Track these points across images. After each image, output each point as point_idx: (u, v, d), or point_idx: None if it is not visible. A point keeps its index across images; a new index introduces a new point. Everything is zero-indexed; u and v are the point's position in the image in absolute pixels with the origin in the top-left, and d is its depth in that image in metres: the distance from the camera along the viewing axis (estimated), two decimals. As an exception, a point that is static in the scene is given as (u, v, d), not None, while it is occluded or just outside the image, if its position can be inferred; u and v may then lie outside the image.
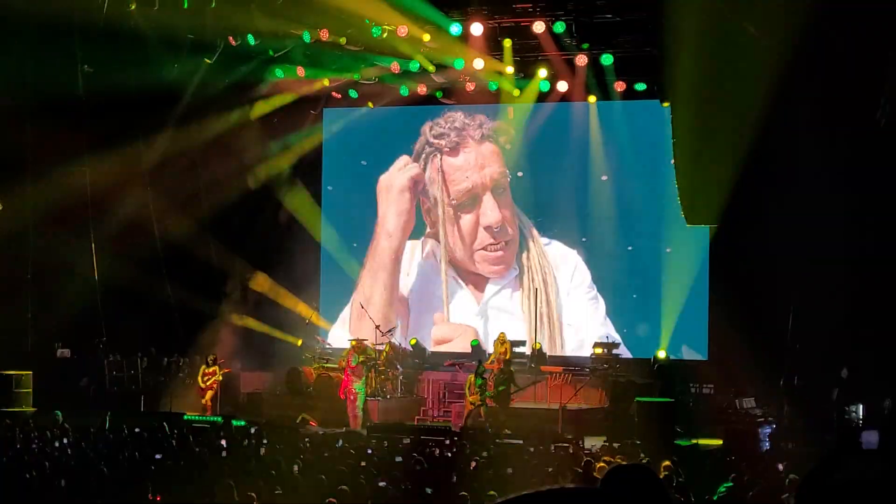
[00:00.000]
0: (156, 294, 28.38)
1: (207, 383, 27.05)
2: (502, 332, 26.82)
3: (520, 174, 30.32)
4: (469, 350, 29.09)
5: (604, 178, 29.50)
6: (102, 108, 27.34)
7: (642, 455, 19.22)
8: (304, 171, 32.14)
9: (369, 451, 18.30)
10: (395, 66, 28.43)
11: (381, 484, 14.53)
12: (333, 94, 30.99)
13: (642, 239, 29.25)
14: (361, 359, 26.26)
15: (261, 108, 30.86)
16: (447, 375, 28.43)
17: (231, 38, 27.89)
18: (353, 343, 27.29)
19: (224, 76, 29.22)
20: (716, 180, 19.18)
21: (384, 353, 27.83)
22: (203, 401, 26.96)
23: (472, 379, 25.29)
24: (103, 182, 27.90)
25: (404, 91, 29.80)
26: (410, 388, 28.58)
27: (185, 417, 25.19)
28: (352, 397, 25.83)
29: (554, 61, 27.49)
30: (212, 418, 24.84)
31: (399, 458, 17.58)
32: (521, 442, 21.54)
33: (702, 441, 23.36)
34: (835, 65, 23.32)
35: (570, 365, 27.07)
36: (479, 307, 30.38)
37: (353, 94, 30.73)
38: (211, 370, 27.09)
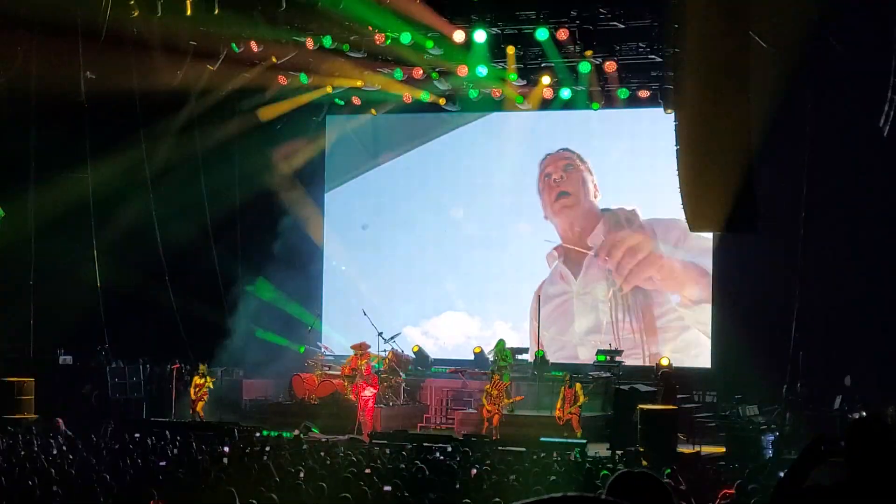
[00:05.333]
0: (158, 301, 28.33)
1: (198, 394, 27.04)
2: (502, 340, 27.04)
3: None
4: (472, 357, 29.07)
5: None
6: (105, 115, 27.34)
7: (644, 462, 19.20)
8: (306, 178, 32.12)
9: (369, 466, 18.23)
10: (398, 74, 28.44)
11: (388, 489, 14.51)
12: (336, 100, 30.97)
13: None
14: (376, 366, 26.44)
15: (264, 115, 30.83)
16: (450, 383, 28.39)
17: (234, 44, 27.88)
18: (357, 350, 27.27)
19: (227, 83, 29.22)
20: (719, 188, 19.11)
21: (387, 361, 27.81)
22: (193, 411, 26.92)
23: (489, 388, 25.28)
24: (106, 188, 27.87)
25: (407, 98, 29.74)
26: (413, 396, 28.55)
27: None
28: (361, 403, 25.78)
29: (557, 69, 27.45)
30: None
31: (402, 466, 17.56)
32: (523, 449, 21.51)
33: (704, 449, 23.32)
34: (839, 71, 23.31)
35: (573, 372, 27.01)
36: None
37: (356, 100, 30.71)
38: (201, 381, 27.07)
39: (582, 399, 24.92)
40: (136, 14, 26.17)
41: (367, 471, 16.30)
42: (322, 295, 32.16)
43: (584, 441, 23.10)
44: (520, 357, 27.88)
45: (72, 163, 28.17)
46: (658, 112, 27.29)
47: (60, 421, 23.47)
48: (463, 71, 27.51)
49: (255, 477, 15.27)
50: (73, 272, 27.88)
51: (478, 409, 26.19)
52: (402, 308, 31.10)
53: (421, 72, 28.21)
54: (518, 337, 29.27)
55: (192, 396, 27.07)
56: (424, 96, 28.95)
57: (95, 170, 27.90)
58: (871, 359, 24.37)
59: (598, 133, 29.95)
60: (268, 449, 19.59)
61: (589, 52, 26.24)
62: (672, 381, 24.85)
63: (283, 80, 29.52)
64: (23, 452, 18.48)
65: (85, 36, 26.14)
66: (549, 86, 27.99)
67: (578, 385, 25.05)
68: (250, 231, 31.23)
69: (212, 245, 29.71)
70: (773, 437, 22.93)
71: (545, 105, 28.96)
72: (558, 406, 24.89)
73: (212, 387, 27.24)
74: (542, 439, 22.71)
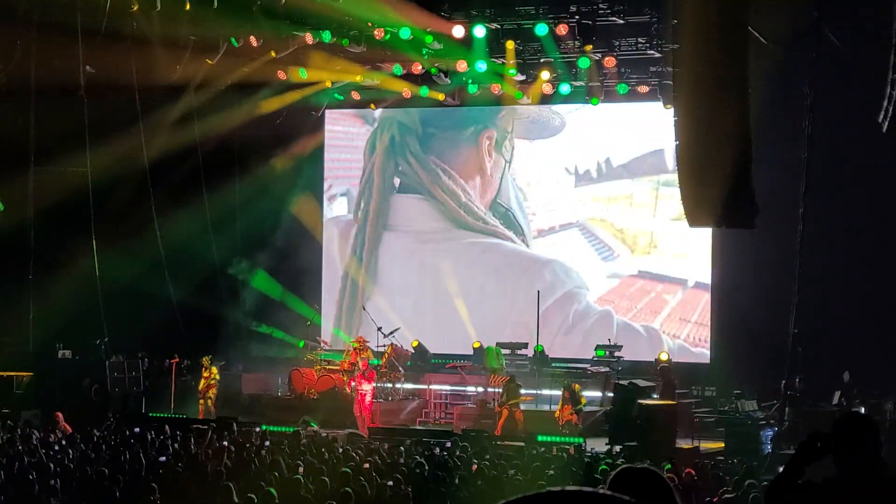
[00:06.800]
0: (158, 295, 28.35)
1: (206, 387, 27.01)
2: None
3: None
4: (471, 352, 29.06)
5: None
6: (104, 109, 27.34)
7: (644, 458, 19.21)
8: (305, 172, 32.09)
9: (368, 461, 18.25)
10: (397, 69, 28.46)
11: (389, 485, 14.52)
12: (336, 95, 30.96)
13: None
14: (373, 361, 26.40)
15: (263, 109, 30.81)
16: (449, 377, 28.38)
17: (233, 39, 27.89)
18: (357, 344, 27.27)
19: (226, 77, 29.23)
20: (718, 183, 19.12)
21: (386, 355, 27.81)
22: (202, 404, 26.91)
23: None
24: (105, 182, 27.85)
25: (407, 93, 29.76)
26: (413, 391, 28.54)
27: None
28: (359, 397, 25.74)
29: (557, 63, 27.46)
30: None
31: (401, 461, 17.58)
32: (522, 444, 21.53)
33: (703, 444, 23.34)
34: (837, 67, 23.30)
35: (572, 367, 27.03)
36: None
37: (355, 95, 30.70)
38: (207, 373, 27.07)
39: (583, 402, 24.81)
40: (135, 8, 26.17)
41: (366, 466, 16.32)
42: (321, 289, 32.15)
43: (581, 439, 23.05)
44: (519, 353, 27.87)
45: (71, 157, 28.17)
46: (657, 107, 27.30)
47: (59, 415, 23.49)
48: (462, 66, 27.55)
49: (254, 472, 15.29)
50: (72, 266, 27.89)
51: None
52: (402, 303, 31.08)
53: (420, 67, 28.24)
54: (518, 333, 29.25)
55: (201, 388, 27.09)
56: (423, 91, 28.91)
57: (95, 163, 27.88)
58: (870, 354, 24.39)
59: (597, 128, 29.91)
60: (267, 444, 19.61)
61: (589, 47, 26.26)
62: (671, 375, 24.90)
63: (282, 74, 29.52)
64: (21, 447, 18.48)
65: (84, 30, 26.14)
66: (549, 81, 28.00)
67: (577, 386, 24.99)
68: (250, 225, 31.20)
69: (211, 239, 29.72)
70: (771, 433, 22.95)
71: (545, 100, 28.98)
72: (559, 407, 24.84)
73: (218, 378, 27.24)
74: (539, 437, 22.69)
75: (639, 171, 29.37)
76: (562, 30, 26.01)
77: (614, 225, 29.75)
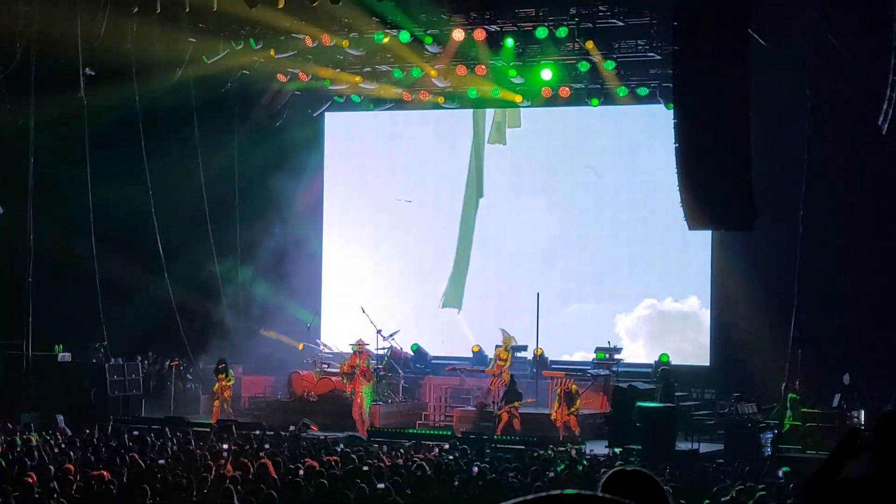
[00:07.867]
0: (157, 298, 28.35)
1: (221, 389, 26.96)
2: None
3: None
4: (470, 354, 29.06)
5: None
6: (104, 111, 27.34)
7: (643, 460, 19.21)
8: (305, 174, 32.05)
9: (368, 464, 18.23)
10: (397, 71, 28.49)
11: (381, 486, 14.51)
12: (335, 97, 30.95)
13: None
14: (372, 363, 26.35)
15: (263, 106, 30.83)
16: (449, 380, 28.35)
17: (233, 41, 27.89)
18: (356, 347, 27.26)
19: (226, 79, 29.27)
20: (718, 185, 19.14)
21: (385, 358, 27.78)
22: (217, 406, 26.85)
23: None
24: (105, 184, 27.83)
25: (406, 95, 29.76)
26: (412, 393, 28.53)
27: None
28: (358, 400, 25.70)
29: (557, 66, 27.45)
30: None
31: (401, 463, 17.57)
32: (522, 447, 21.53)
33: (703, 446, 23.33)
34: (838, 69, 23.29)
35: (571, 370, 26.99)
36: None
37: (355, 98, 30.70)
38: (223, 375, 27.02)
39: (578, 403, 24.71)
40: (135, 10, 26.16)
41: (366, 468, 16.30)
42: (321, 292, 32.14)
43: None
44: (518, 355, 27.83)
45: (71, 159, 28.19)
46: (657, 109, 27.28)
47: (59, 418, 23.46)
48: (462, 70, 27.62)
49: (254, 474, 15.27)
50: (71, 269, 27.88)
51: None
52: (401, 305, 31.06)
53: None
54: (517, 335, 29.23)
55: (215, 390, 27.06)
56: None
57: (94, 166, 27.88)
58: (870, 357, 24.37)
59: (596, 130, 29.90)
60: (267, 446, 19.60)
61: (590, 44, 26.21)
62: (671, 378, 24.87)
63: (281, 77, 29.54)
64: (21, 449, 18.47)
65: (84, 32, 26.13)
66: (549, 82, 27.97)
67: (575, 388, 24.95)
68: (249, 227, 31.20)
69: (211, 242, 29.72)
70: (771, 435, 22.93)
71: (544, 102, 28.94)
72: (555, 408, 24.80)
73: (232, 381, 27.21)
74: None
75: (636, 178, 29.33)
76: (562, 32, 26.02)
77: (611, 233, 29.72)
